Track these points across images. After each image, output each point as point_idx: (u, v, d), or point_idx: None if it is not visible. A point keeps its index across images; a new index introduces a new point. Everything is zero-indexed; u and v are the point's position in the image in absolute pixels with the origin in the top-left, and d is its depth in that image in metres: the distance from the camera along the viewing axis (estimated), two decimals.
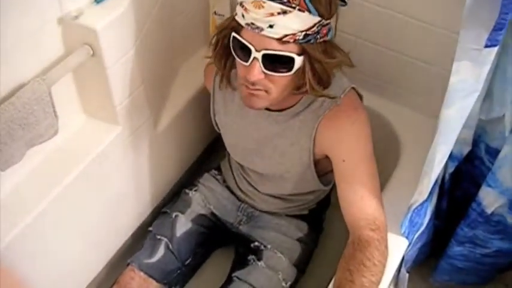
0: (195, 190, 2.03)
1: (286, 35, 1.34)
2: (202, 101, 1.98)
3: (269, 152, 1.72)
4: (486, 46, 1.23)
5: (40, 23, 1.48)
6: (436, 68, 1.87)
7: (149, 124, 1.93)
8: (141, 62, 1.74)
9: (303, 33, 1.34)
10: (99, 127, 1.78)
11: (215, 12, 2.06)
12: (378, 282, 1.44)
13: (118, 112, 1.74)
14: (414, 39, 1.86)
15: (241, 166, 1.91)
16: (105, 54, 1.57)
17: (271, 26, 1.32)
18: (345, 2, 1.47)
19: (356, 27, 1.93)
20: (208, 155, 2.39)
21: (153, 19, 1.77)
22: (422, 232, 1.77)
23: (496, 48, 1.24)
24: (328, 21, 1.40)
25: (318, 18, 1.35)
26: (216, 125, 1.85)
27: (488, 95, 1.60)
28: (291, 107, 1.61)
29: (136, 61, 1.71)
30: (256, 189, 1.91)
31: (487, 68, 1.28)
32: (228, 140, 1.84)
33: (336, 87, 1.57)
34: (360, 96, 1.66)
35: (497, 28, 1.19)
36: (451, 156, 1.66)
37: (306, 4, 1.32)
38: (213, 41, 1.54)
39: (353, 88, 1.62)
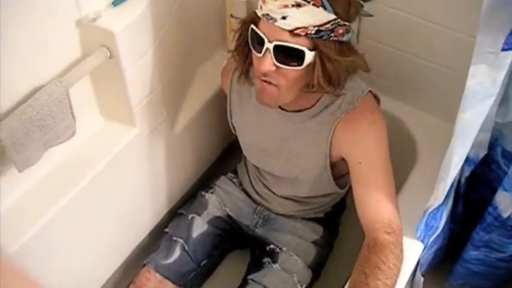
0: (212, 192, 2.03)
1: (298, 28, 1.35)
2: (220, 103, 1.99)
3: (285, 153, 1.72)
4: (503, 50, 1.22)
5: (58, 26, 1.49)
6: (453, 72, 1.86)
7: (166, 126, 1.94)
8: (158, 64, 1.75)
9: (315, 28, 1.35)
10: (116, 128, 1.79)
11: (232, 15, 2.07)
12: (393, 286, 1.44)
13: (135, 114, 1.75)
14: (431, 43, 1.85)
15: (258, 169, 1.91)
16: (122, 56, 1.58)
17: (284, 18, 1.34)
18: (361, 5, 1.47)
19: (373, 31, 1.92)
20: (225, 158, 2.39)
21: (171, 22, 1.78)
22: (438, 236, 1.77)
23: None
24: (346, 22, 1.40)
25: (333, 16, 1.36)
26: (233, 127, 1.86)
27: (504, 99, 1.59)
28: (309, 108, 1.62)
29: (154, 63, 1.72)
30: (272, 192, 1.92)
31: (503, 72, 1.28)
32: (244, 141, 1.85)
33: (353, 90, 1.57)
34: (377, 99, 1.66)
35: None
36: (467, 160, 1.66)
37: (321, 0, 1.33)
38: (236, 35, 1.56)
39: (370, 91, 1.62)
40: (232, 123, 1.85)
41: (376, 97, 1.65)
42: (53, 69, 1.53)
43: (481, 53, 1.25)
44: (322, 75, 1.44)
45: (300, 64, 1.41)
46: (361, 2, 1.47)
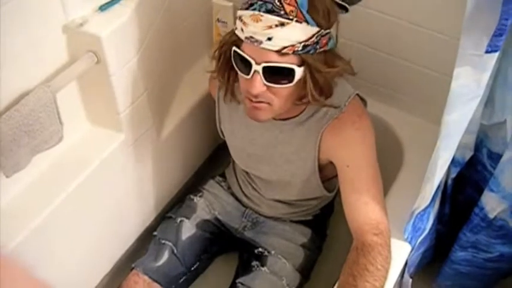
0: (200, 196, 2.03)
1: (285, 47, 1.35)
2: (206, 108, 1.99)
3: (274, 159, 1.73)
4: (487, 52, 1.23)
5: (45, 31, 1.49)
6: (438, 74, 1.87)
7: (152, 131, 1.94)
8: (145, 69, 1.76)
9: (302, 44, 1.35)
10: (103, 134, 1.79)
11: (218, 20, 2.08)
12: (381, 287, 1.44)
13: (122, 119, 1.75)
14: (416, 45, 1.86)
15: (246, 172, 1.92)
16: (109, 61, 1.58)
17: (269, 39, 1.34)
18: (346, 9, 1.48)
19: (358, 34, 1.93)
20: (213, 161, 2.39)
21: (157, 27, 1.79)
22: (425, 237, 1.78)
23: (496, 54, 1.25)
24: (327, 31, 1.40)
25: (316, 29, 1.36)
26: (222, 132, 1.86)
27: (489, 100, 1.61)
28: (296, 116, 1.62)
29: (140, 68, 1.73)
30: (261, 195, 1.92)
31: (488, 74, 1.29)
32: (233, 147, 1.85)
33: (340, 94, 1.58)
34: (364, 102, 1.67)
35: (498, 34, 1.20)
36: (453, 161, 1.67)
37: (303, 15, 1.33)
38: (216, 55, 1.55)
39: (357, 94, 1.63)
40: (221, 128, 1.85)
41: (363, 100, 1.66)
42: (40, 74, 1.53)
43: (465, 55, 1.25)
44: (314, 88, 1.44)
45: (291, 81, 1.41)
46: (347, 6, 1.48)
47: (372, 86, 2.03)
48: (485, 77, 1.29)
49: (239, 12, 1.39)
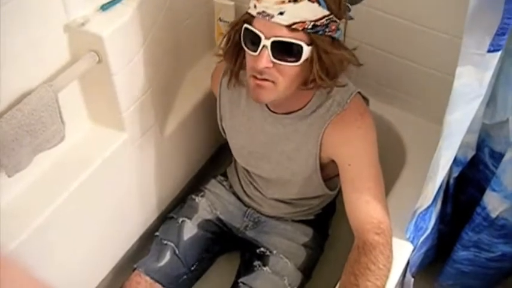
0: (202, 196, 2.04)
1: (295, 23, 1.36)
2: (209, 107, 1.99)
3: (275, 156, 1.73)
4: (489, 51, 1.23)
5: (46, 30, 1.49)
6: (440, 73, 1.87)
7: (155, 130, 1.94)
8: (147, 68, 1.76)
9: (312, 23, 1.37)
10: (105, 133, 1.79)
11: (220, 19, 2.08)
12: (383, 286, 1.44)
13: (124, 118, 1.75)
14: (418, 45, 1.86)
15: (248, 171, 1.92)
16: (111, 60, 1.58)
17: (281, 13, 1.35)
18: (349, 9, 1.49)
19: (361, 33, 1.93)
20: (215, 161, 2.39)
21: (159, 26, 1.79)
22: (427, 237, 1.77)
23: (498, 53, 1.24)
24: (337, 19, 1.42)
25: (327, 12, 1.38)
26: (223, 130, 1.86)
27: (492, 100, 1.61)
28: (298, 110, 1.62)
29: (142, 67, 1.73)
30: (263, 194, 1.92)
31: (490, 73, 1.29)
32: (234, 144, 1.85)
33: (342, 92, 1.58)
34: (366, 101, 1.67)
35: (500, 33, 1.20)
36: (455, 161, 1.67)
37: None
38: (225, 38, 1.56)
39: (359, 92, 1.63)
40: (222, 126, 1.85)
41: (365, 98, 1.66)
42: (42, 73, 1.53)
43: (467, 54, 1.25)
44: (321, 69, 1.45)
45: (298, 59, 1.41)
46: (348, 5, 1.49)
47: (374, 85, 2.03)
48: (488, 76, 1.29)
49: None
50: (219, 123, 1.85)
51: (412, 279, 1.81)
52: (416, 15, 1.80)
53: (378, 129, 1.62)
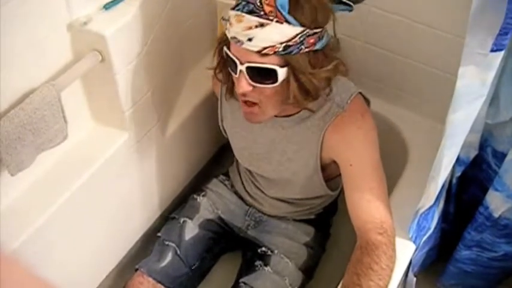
0: (203, 195, 2.04)
1: (265, 48, 1.35)
2: (210, 107, 1.99)
3: (276, 157, 1.73)
4: (492, 51, 1.23)
5: (49, 30, 1.49)
6: (443, 73, 1.87)
7: (157, 130, 1.94)
8: (150, 67, 1.76)
9: (283, 44, 1.35)
10: (107, 133, 1.79)
11: (223, 18, 2.07)
12: (386, 286, 1.44)
13: (126, 118, 1.75)
14: (421, 44, 1.86)
15: (249, 171, 1.92)
16: (114, 60, 1.58)
17: (250, 39, 1.34)
18: (351, 7, 1.48)
19: (363, 32, 1.93)
20: (217, 160, 2.39)
21: (161, 25, 1.79)
22: (430, 236, 1.77)
23: (501, 53, 1.24)
24: (315, 30, 1.38)
25: (300, 29, 1.35)
26: (224, 130, 1.86)
27: (494, 99, 1.60)
28: (297, 113, 1.62)
29: (145, 67, 1.73)
30: (264, 193, 1.92)
31: (493, 73, 1.29)
32: (235, 145, 1.85)
33: (342, 93, 1.57)
34: (367, 101, 1.67)
35: (503, 33, 1.20)
36: (458, 160, 1.67)
37: (283, 16, 1.33)
38: (216, 53, 1.57)
39: (360, 93, 1.63)
40: (223, 126, 1.85)
41: (366, 99, 1.66)
42: (45, 72, 1.53)
43: (470, 54, 1.25)
44: (298, 90, 1.44)
45: (275, 81, 1.41)
46: (351, 4, 1.48)
47: (377, 85, 2.03)
48: (490, 76, 1.29)
49: (228, 12, 1.41)
50: (220, 123, 1.85)
51: (415, 279, 1.81)
52: (419, 15, 1.80)
53: (379, 128, 1.62)
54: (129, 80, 1.68)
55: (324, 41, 1.43)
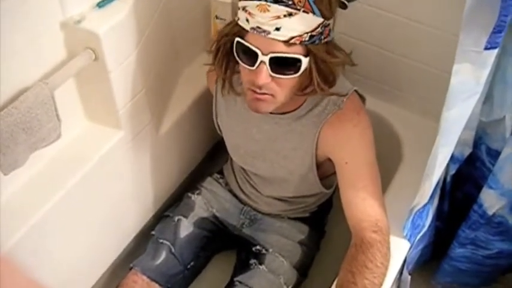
0: (198, 194, 2.03)
1: (292, 37, 1.35)
2: (204, 105, 1.99)
3: (271, 155, 1.72)
4: (486, 48, 1.23)
5: (43, 28, 1.49)
6: (437, 71, 1.87)
7: (151, 128, 1.93)
8: (143, 65, 1.75)
9: (308, 34, 1.36)
10: (101, 131, 1.78)
11: (216, 16, 2.07)
12: (381, 284, 1.44)
13: (120, 116, 1.74)
14: (415, 42, 1.86)
15: (244, 169, 1.92)
16: (107, 58, 1.58)
17: (277, 29, 1.33)
18: (345, 4, 1.48)
19: (357, 30, 1.93)
20: (211, 159, 2.39)
21: (155, 23, 1.78)
22: (424, 234, 1.78)
23: (495, 51, 1.24)
24: (329, 21, 1.41)
25: (321, 19, 1.37)
26: (218, 127, 1.86)
27: (488, 97, 1.61)
28: (294, 110, 1.62)
29: (139, 65, 1.72)
30: (259, 192, 1.92)
31: (487, 70, 1.29)
32: (229, 143, 1.85)
33: (338, 90, 1.57)
34: (363, 99, 1.67)
35: (497, 31, 1.20)
36: (452, 158, 1.67)
37: (310, 5, 1.33)
38: (213, 47, 1.55)
39: (355, 91, 1.63)
40: (217, 123, 1.85)
41: (361, 96, 1.66)
42: (38, 71, 1.52)
43: (464, 51, 1.25)
44: (320, 78, 1.45)
45: (297, 71, 1.41)
46: (345, 2, 1.48)
47: (371, 83, 2.03)
48: (485, 73, 1.29)
49: (242, 3, 1.39)
50: (215, 120, 1.84)
51: (409, 277, 1.81)
52: (413, 13, 1.80)
53: (374, 126, 1.62)
54: (122, 78, 1.68)
55: (332, 33, 1.46)
